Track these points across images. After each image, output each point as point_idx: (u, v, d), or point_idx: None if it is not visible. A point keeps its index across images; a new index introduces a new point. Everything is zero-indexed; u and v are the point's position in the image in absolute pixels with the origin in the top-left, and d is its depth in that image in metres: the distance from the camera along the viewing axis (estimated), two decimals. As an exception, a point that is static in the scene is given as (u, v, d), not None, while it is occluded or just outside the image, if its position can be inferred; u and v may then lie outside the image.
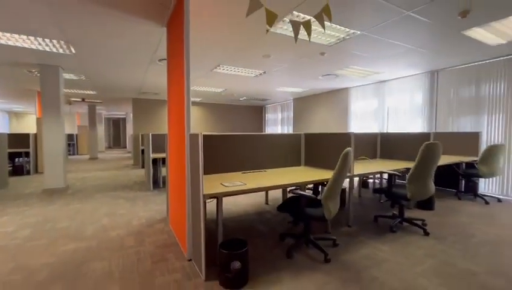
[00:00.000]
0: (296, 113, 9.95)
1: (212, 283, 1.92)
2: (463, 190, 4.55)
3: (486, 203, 3.97)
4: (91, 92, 8.09)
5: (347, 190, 3.09)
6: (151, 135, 5.48)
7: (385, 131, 6.46)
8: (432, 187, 2.86)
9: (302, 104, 9.47)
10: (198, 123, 10.85)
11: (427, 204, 3.67)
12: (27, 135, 7.31)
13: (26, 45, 3.86)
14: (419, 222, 3.02)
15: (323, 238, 2.65)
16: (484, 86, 4.64)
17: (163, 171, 6.68)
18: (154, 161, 5.56)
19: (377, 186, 5.36)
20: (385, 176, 4.84)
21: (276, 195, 4.59)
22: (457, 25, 3.11)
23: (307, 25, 1.89)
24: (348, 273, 2.05)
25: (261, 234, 2.84)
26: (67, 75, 5.74)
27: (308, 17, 2.88)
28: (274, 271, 2.08)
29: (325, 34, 3.39)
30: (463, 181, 4.56)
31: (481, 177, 3.98)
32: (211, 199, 2.56)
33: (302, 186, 3.40)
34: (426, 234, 2.81)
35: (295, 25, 1.84)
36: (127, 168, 8.46)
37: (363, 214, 3.51)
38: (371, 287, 1.85)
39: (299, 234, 2.64)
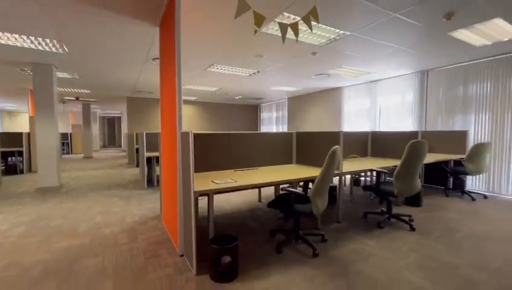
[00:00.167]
0: (290, 112, 10.03)
1: (203, 277, 1.97)
2: (451, 187, 4.67)
3: (473, 199, 4.09)
4: (85, 91, 8.06)
5: (338, 187, 3.17)
6: (146, 133, 5.50)
7: (377, 130, 6.56)
8: (418, 184, 2.95)
9: (297, 103, 9.55)
10: (193, 122, 10.86)
11: (415, 201, 3.77)
12: (20, 134, 7.27)
13: (18, 44, 3.86)
14: (406, 218, 3.12)
15: (312, 233, 2.72)
16: (471, 86, 4.76)
17: (158, 169, 6.70)
18: (149, 159, 5.58)
19: (369, 184, 5.46)
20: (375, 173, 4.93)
21: (269, 192, 4.65)
22: (443, 26, 3.20)
23: (294, 27, 1.95)
24: (335, 267, 2.12)
25: (253, 231, 2.91)
26: (60, 74, 5.73)
27: (298, 18, 2.94)
28: (264, 266, 2.14)
29: (315, 34, 3.46)
30: (451, 178, 4.67)
31: (468, 174, 4.10)
32: (202, 197, 2.62)
33: (293, 183, 3.47)
34: (412, 229, 2.90)
35: (282, 27, 1.90)
36: (122, 167, 8.46)
37: (353, 211, 3.59)
38: (357, 280, 1.93)
39: (289, 230, 2.71)
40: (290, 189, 2.27)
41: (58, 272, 2.04)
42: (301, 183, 4.17)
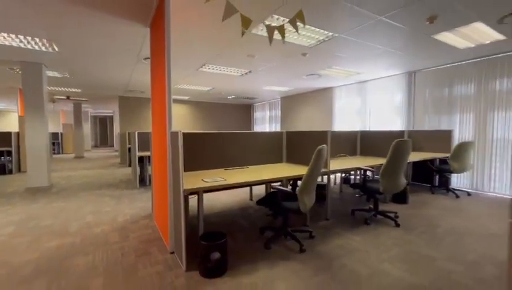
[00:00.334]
0: (283, 112, 10.12)
1: (192, 273, 2.03)
2: (437, 184, 4.82)
3: (457, 197, 4.24)
4: (76, 90, 7.98)
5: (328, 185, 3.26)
6: (138, 133, 5.50)
7: (368, 129, 6.70)
8: (403, 181, 3.06)
9: (289, 102, 9.65)
10: (186, 121, 10.85)
11: (401, 198, 3.89)
12: (9, 134, 7.16)
13: (6, 43, 3.82)
14: (392, 215, 3.22)
15: (300, 230, 2.80)
16: (456, 87, 4.92)
17: (150, 169, 6.69)
18: (141, 159, 5.58)
19: (357, 182, 5.58)
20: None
21: (261, 191, 4.72)
22: (427, 29, 3.31)
23: (281, 29, 2.01)
24: (320, 261, 2.20)
25: (243, 228, 2.97)
26: (50, 73, 5.67)
27: (286, 20, 3.01)
28: (252, 261, 2.21)
29: (305, 36, 3.53)
30: (437, 176, 4.82)
31: (452, 172, 4.24)
32: (193, 195, 2.66)
33: (283, 181, 3.55)
34: (397, 225, 3.00)
35: (269, 29, 1.96)
36: (114, 166, 8.41)
37: (341, 208, 3.69)
38: (340, 273, 2.01)
39: (277, 227, 2.78)
40: (278, 187, 2.34)
41: (48, 271, 2.06)
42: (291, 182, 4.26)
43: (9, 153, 7.15)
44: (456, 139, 4.92)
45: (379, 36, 3.56)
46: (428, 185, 5.02)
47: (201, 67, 5.22)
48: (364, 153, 4.63)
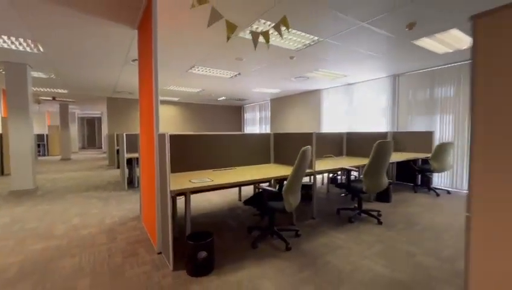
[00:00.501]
0: (273, 113, 10.22)
1: (179, 272, 2.06)
2: (419, 183, 5.00)
3: (437, 195, 4.42)
4: (62, 91, 7.83)
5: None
6: (126, 134, 5.47)
7: (355, 130, 6.86)
8: (385, 181, 3.18)
9: (279, 104, 9.76)
10: (176, 123, 10.80)
11: (384, 197, 4.03)
12: (-9, 135, 6.95)
13: (-10, 43, 3.75)
14: (375, 213, 3.34)
15: (287, 229, 2.87)
16: (437, 90, 5.14)
17: (139, 171, 6.64)
18: (129, 160, 5.54)
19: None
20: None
21: (250, 191, 4.77)
22: (407, 35, 3.46)
23: (265, 35, 2.08)
24: (305, 259, 2.27)
25: (231, 228, 3.01)
26: (35, 74, 5.57)
27: (272, 24, 3.08)
28: (239, 260, 2.26)
29: (291, 40, 3.62)
30: (419, 176, 5.01)
31: (433, 172, 4.42)
32: (181, 196, 2.70)
33: (271, 182, 3.61)
34: (380, 223, 3.12)
35: (254, 34, 2.03)
36: (102, 168, 8.28)
37: (327, 208, 3.79)
38: (323, 270, 2.09)
39: (264, 227, 2.85)
40: (264, 187, 2.41)
41: (33, 273, 2.05)
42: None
43: (-9, 156, 6.93)
44: (437, 140, 5.13)
45: (362, 41, 3.69)
46: (411, 184, 5.20)
47: (191, 69, 5.24)
48: (350, 153, 4.76)
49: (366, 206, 3.78)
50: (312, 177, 3.27)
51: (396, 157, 4.37)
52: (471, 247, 1.03)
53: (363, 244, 2.55)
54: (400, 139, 5.39)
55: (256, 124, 11.51)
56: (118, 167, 8.27)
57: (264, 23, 3.06)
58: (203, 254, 2.02)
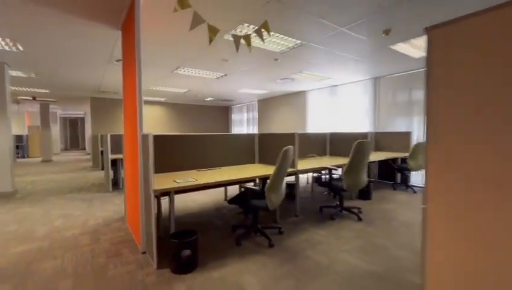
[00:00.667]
0: (260, 114, 10.32)
1: (163, 270, 2.10)
2: (399, 181, 5.23)
3: (414, 192, 4.64)
4: (43, 91, 7.61)
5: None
6: (110, 135, 5.40)
7: (339, 130, 7.06)
8: (365, 179, 3.33)
9: (266, 105, 9.87)
10: (162, 123, 10.70)
11: (365, 194, 4.20)
12: (-34, 137, 6.65)
13: (-35, 41, 3.63)
14: (355, 210, 3.48)
15: (270, 227, 2.96)
16: (414, 92, 5.39)
17: (124, 172, 6.56)
18: (114, 161, 5.47)
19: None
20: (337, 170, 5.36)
21: (236, 191, 4.83)
22: (384, 40, 3.63)
23: (247, 38, 2.16)
24: (286, 254, 2.37)
25: (217, 227, 3.07)
26: (14, 72, 5.40)
27: (256, 27, 3.17)
28: (223, 257, 2.32)
29: (275, 42, 3.72)
30: (398, 174, 5.23)
31: (410, 170, 4.64)
32: (165, 197, 2.72)
33: (256, 181, 3.70)
34: (360, 219, 3.26)
35: (235, 38, 2.10)
36: (85, 170, 8.10)
37: (311, 206, 3.91)
38: (303, 264, 2.19)
39: (248, 225, 2.92)
40: (247, 186, 2.48)
41: (14, 276, 2.04)
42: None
43: (-34, 158, 6.63)
44: (414, 140, 5.37)
45: (343, 45, 3.84)
46: (391, 182, 5.42)
47: (176, 69, 5.25)
48: (333, 153, 4.92)
49: (347, 203, 3.93)
50: (295, 176, 3.37)
51: (376, 156, 4.56)
52: (428, 236, 1.15)
53: (342, 240, 2.67)
54: (381, 139, 5.61)
55: (243, 125, 11.57)
56: (103, 169, 8.10)
57: (248, 26, 3.14)
58: (186, 252, 2.06)
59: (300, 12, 2.81)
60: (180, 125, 11.10)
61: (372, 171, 5.68)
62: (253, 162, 3.79)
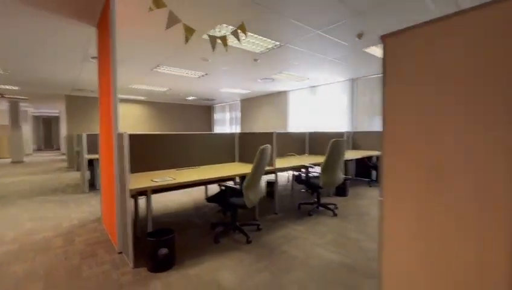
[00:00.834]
0: (243, 113, 10.36)
1: (140, 269, 2.10)
2: (374, 179, 5.47)
3: (388, 188, 4.88)
4: (12, 88, 7.21)
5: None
6: (87, 135, 5.24)
7: (319, 130, 7.26)
8: (340, 176, 3.47)
9: (248, 104, 9.93)
10: (142, 122, 10.46)
11: (342, 191, 4.37)
12: None
13: None
14: (332, 206, 3.62)
15: (249, 224, 3.02)
16: (388, 93, 5.67)
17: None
18: (91, 162, 5.30)
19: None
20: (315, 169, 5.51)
21: (217, 190, 4.85)
22: (358, 43, 3.80)
23: (223, 39, 2.20)
24: (263, 250, 2.44)
25: (196, 226, 3.09)
26: (-21, 68, 5.09)
27: (233, 28, 3.21)
28: (201, 255, 2.35)
29: (254, 43, 3.78)
30: (374, 171, 5.48)
31: (384, 167, 4.87)
32: (142, 196, 2.71)
33: (235, 179, 3.74)
34: (335, 215, 3.40)
35: (211, 38, 2.14)
36: (60, 171, 7.77)
37: (290, 203, 4.02)
38: (279, 259, 2.26)
39: (227, 222, 2.96)
40: (226, 184, 2.53)
41: (-21, 280, 1.96)
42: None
43: None
44: (389, 139, 5.64)
45: (321, 47, 3.97)
46: (368, 179, 5.67)
47: (156, 68, 5.17)
48: (312, 152, 5.06)
49: (325, 200, 4.07)
50: (275, 174, 3.45)
51: (353, 154, 4.75)
52: (384, 227, 1.25)
53: (317, 234, 2.78)
54: (358, 138, 5.84)
55: (226, 124, 11.56)
56: (79, 169, 7.82)
57: (227, 26, 3.18)
58: (163, 251, 2.08)
59: (278, 14, 2.89)
60: (161, 124, 10.91)
61: (350, 169, 5.89)
62: (234, 161, 3.83)
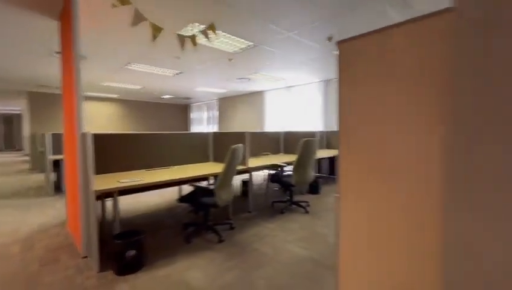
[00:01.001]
0: (221, 113, 10.31)
1: (106, 273, 2.04)
2: (346, 176, 5.71)
3: (358, 185, 5.12)
4: (-35, 83, 6.60)
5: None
6: (52, 134, 4.93)
7: (295, 130, 7.42)
8: (312, 174, 3.59)
9: (226, 104, 9.90)
10: (114, 121, 10.03)
11: (314, 189, 4.51)
12: None
13: None
14: (304, 204, 3.73)
15: (222, 223, 3.03)
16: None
17: (69, 174, 6.02)
18: (57, 163, 5.01)
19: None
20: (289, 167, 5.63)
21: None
22: (329, 46, 3.95)
23: (192, 39, 2.19)
24: (235, 248, 2.46)
25: (168, 226, 3.04)
26: None
27: (203, 27, 3.20)
28: (171, 255, 2.33)
29: (227, 43, 3.79)
30: (345, 170, 5.71)
31: (355, 165, 5.10)
32: (110, 198, 2.63)
33: (208, 179, 3.73)
34: (306, 212, 3.51)
35: (180, 38, 2.12)
36: (22, 173, 7.25)
37: (264, 202, 4.08)
38: (250, 256, 2.30)
39: (200, 222, 2.96)
40: (196, 184, 2.52)
41: None
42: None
43: None
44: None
45: (293, 49, 4.07)
46: (340, 177, 5.89)
47: (127, 65, 5.00)
48: (287, 151, 5.17)
49: (298, 198, 4.18)
50: (249, 174, 3.49)
51: (327, 153, 4.92)
52: (340, 223, 1.33)
53: (288, 231, 2.86)
54: (332, 138, 6.05)
55: (203, 124, 11.43)
56: (43, 171, 7.33)
57: (199, 25, 3.15)
58: (131, 253, 2.03)
59: (249, 15, 2.92)
60: (135, 124, 10.54)
61: (323, 167, 6.10)
62: (208, 161, 3.82)
